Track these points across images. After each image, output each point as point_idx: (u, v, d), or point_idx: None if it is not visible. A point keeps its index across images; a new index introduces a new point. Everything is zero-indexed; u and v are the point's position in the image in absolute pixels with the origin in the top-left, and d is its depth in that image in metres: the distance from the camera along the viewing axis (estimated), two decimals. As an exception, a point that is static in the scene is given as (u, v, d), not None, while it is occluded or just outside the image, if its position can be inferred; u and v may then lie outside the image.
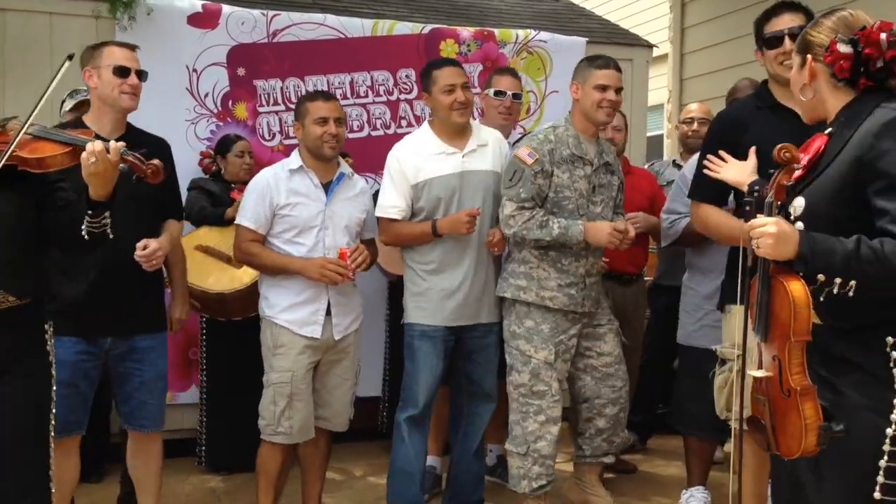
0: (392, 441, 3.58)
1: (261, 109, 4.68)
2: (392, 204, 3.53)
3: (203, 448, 4.41)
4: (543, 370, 3.46)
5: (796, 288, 2.06)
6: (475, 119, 3.95)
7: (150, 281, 3.17)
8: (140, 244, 3.05)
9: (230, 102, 4.62)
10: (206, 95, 4.58)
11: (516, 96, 4.07)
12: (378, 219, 3.59)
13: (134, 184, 2.56)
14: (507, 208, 3.45)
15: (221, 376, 4.29)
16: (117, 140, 3.05)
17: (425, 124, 3.66)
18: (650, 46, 5.74)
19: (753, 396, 2.21)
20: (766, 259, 2.11)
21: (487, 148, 3.59)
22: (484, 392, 3.65)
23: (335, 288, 3.42)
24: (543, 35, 5.20)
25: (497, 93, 4.01)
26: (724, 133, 3.03)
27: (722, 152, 2.85)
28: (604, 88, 3.45)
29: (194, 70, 4.54)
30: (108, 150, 2.34)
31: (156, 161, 2.51)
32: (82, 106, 3.64)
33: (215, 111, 4.60)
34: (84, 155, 2.30)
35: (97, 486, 4.08)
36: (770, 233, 2.02)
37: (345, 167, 3.56)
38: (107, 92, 3.12)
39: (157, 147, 3.27)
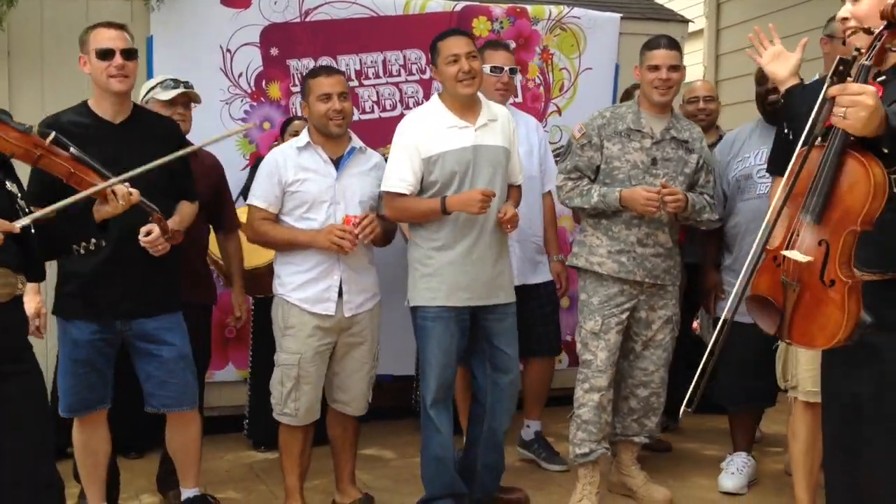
0: (422, 427, 3.51)
1: (294, 89, 4.67)
2: (401, 177, 3.38)
3: (247, 422, 4.52)
4: (590, 340, 3.56)
5: (879, 172, 1.92)
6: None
7: (160, 262, 3.08)
8: (143, 230, 2.99)
9: (264, 82, 4.64)
10: (240, 75, 4.59)
11: (512, 71, 4.02)
12: (385, 193, 3.44)
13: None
14: (557, 179, 3.66)
15: (266, 355, 4.34)
16: (124, 123, 3.13)
17: (434, 97, 3.55)
18: (685, 22, 5.66)
19: (771, 277, 2.07)
20: (843, 132, 1.94)
21: (497, 123, 3.49)
22: (509, 381, 3.54)
23: (348, 263, 3.38)
24: (577, 11, 5.14)
25: (493, 69, 3.90)
26: (801, 102, 3.01)
27: (774, 31, 2.77)
28: (655, 68, 3.54)
29: (228, 50, 4.56)
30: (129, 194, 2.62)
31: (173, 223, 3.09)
32: (182, 98, 3.56)
33: (249, 91, 4.62)
34: (120, 199, 2.60)
35: (137, 461, 4.16)
36: (867, 104, 1.84)
37: (356, 141, 3.50)
38: (97, 77, 3.07)
39: (164, 127, 3.28)
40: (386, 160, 3.70)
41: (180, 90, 3.59)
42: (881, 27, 1.98)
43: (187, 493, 3.41)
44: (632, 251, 3.54)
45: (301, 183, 3.38)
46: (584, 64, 5.15)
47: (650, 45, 3.61)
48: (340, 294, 3.39)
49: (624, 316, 3.57)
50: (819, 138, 2.05)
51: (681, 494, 3.82)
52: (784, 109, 2.73)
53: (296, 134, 4.17)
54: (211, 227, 3.85)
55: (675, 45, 3.58)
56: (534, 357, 4.08)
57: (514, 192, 3.59)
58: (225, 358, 4.59)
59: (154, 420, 3.37)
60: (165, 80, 3.66)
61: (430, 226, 3.42)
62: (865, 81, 1.92)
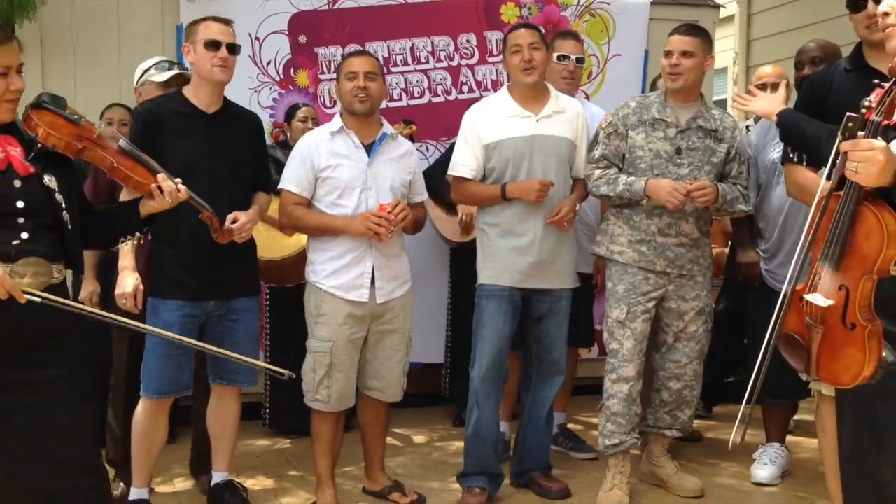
0: (468, 405, 3.60)
1: (322, 77, 4.70)
2: (463, 162, 3.55)
3: (267, 411, 4.53)
4: (616, 329, 3.54)
5: (892, 221, 1.98)
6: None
7: (246, 246, 3.30)
8: (230, 217, 3.15)
9: (292, 70, 4.65)
10: (269, 63, 4.61)
11: (579, 60, 4.03)
12: (451, 177, 3.61)
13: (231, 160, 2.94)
14: (586, 168, 3.63)
15: (285, 342, 4.36)
16: (216, 113, 3.27)
17: (503, 88, 3.67)
18: (717, 7, 5.58)
19: (798, 316, 2.16)
20: (856, 183, 2.01)
21: (564, 115, 3.57)
22: (552, 359, 3.64)
23: (380, 250, 3.40)
24: (606, -4, 5.09)
25: (561, 57, 3.96)
26: (812, 94, 3.00)
27: (751, 87, 2.86)
28: (668, 54, 3.52)
29: (257, 38, 4.57)
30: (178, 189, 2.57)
31: (230, 228, 3.11)
32: (177, 80, 3.59)
33: (277, 79, 4.63)
34: (167, 196, 2.54)
35: (172, 447, 4.18)
36: (877, 160, 1.92)
37: (387, 127, 3.53)
38: (200, 66, 3.22)
39: (249, 122, 3.44)
40: (411, 139, 3.92)
41: (175, 72, 3.64)
42: (891, 82, 2.05)
43: (218, 476, 3.46)
44: (652, 241, 3.52)
45: (333, 168, 3.39)
46: (613, 50, 5.10)
47: (671, 31, 3.59)
48: (373, 281, 3.40)
49: (651, 305, 3.54)
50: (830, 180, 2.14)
51: (712, 484, 3.79)
52: (782, 137, 2.73)
53: (304, 120, 4.29)
54: None
55: (693, 32, 3.51)
56: None
57: (578, 185, 3.66)
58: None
59: (183, 407, 3.40)
60: (160, 61, 3.71)
61: (492, 211, 3.56)
62: (875, 136, 1.99)
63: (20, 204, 2.23)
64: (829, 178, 2.10)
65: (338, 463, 3.66)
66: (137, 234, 2.59)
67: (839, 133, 2.06)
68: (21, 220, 2.22)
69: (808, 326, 2.13)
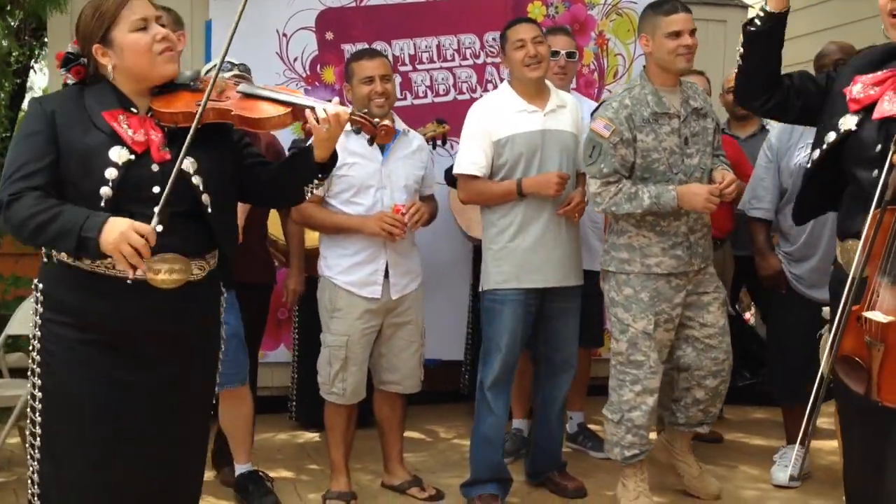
0: (476, 407, 3.54)
1: (348, 73, 4.72)
2: (473, 160, 3.44)
3: (293, 404, 4.55)
4: (641, 340, 3.36)
5: None
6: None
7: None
8: None
9: (318, 66, 4.67)
10: (296, 60, 4.63)
11: (570, 55, 4.00)
12: (458, 176, 3.52)
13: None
14: (593, 186, 3.36)
15: (312, 336, 4.38)
16: None
17: (504, 83, 3.60)
18: (745, 7, 5.54)
19: (856, 337, 2.11)
20: None
21: (566, 109, 3.53)
22: (562, 359, 3.58)
23: (393, 247, 3.42)
24: (633, -4, 5.07)
25: (551, 53, 3.86)
26: None
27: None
28: (677, 34, 3.28)
29: (284, 34, 4.60)
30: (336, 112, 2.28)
31: (387, 122, 2.44)
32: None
33: (304, 75, 4.66)
34: (318, 123, 2.25)
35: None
36: None
37: (399, 124, 3.54)
38: None
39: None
40: (428, 141, 3.85)
41: (235, 73, 3.62)
42: None
43: (240, 468, 3.50)
44: (685, 242, 3.38)
45: (349, 167, 3.40)
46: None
47: (664, 9, 3.29)
48: (387, 276, 3.43)
49: (676, 312, 3.40)
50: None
51: (732, 486, 3.78)
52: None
53: None
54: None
55: (688, 8, 3.35)
56: None
57: (581, 179, 3.60)
58: (276, 339, 4.65)
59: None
60: (223, 62, 3.71)
61: (501, 210, 3.45)
62: None
63: (156, 190, 2.08)
64: (881, 193, 2.05)
65: (358, 458, 3.70)
66: (315, 182, 2.38)
67: (892, 145, 2.04)
68: (157, 209, 2.01)
69: (867, 346, 2.08)
